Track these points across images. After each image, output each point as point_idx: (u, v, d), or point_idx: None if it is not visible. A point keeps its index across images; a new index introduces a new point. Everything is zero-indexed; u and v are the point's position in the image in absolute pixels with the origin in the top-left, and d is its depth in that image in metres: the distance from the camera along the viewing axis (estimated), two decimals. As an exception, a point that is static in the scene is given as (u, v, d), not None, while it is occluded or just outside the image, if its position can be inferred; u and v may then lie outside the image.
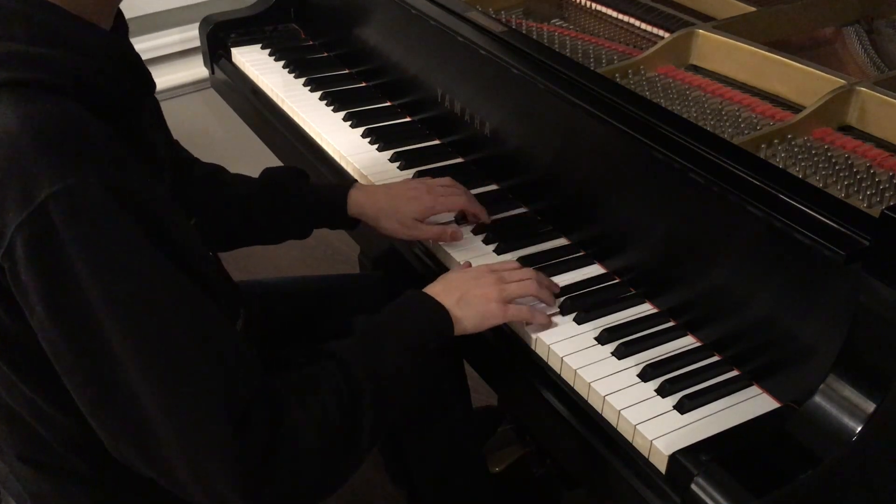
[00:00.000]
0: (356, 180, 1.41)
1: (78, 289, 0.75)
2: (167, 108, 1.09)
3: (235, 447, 0.79)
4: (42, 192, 0.73)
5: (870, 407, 0.81)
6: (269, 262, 2.43)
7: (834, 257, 0.85)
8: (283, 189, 1.26)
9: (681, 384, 0.97)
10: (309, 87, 1.67)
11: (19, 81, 0.75)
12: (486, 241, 1.23)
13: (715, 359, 1.02)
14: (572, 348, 1.03)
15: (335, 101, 1.61)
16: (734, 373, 1.00)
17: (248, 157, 2.21)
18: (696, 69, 1.31)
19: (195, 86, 2.40)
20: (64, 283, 0.75)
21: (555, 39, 1.41)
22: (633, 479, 0.91)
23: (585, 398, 0.99)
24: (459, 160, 1.43)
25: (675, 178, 1.01)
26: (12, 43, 0.77)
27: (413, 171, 1.39)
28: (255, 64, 1.77)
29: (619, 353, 1.02)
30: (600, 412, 0.97)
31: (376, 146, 1.47)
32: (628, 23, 1.46)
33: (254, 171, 1.32)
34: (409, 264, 1.29)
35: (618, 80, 1.24)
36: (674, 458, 0.88)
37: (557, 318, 1.08)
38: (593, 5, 1.53)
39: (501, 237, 1.22)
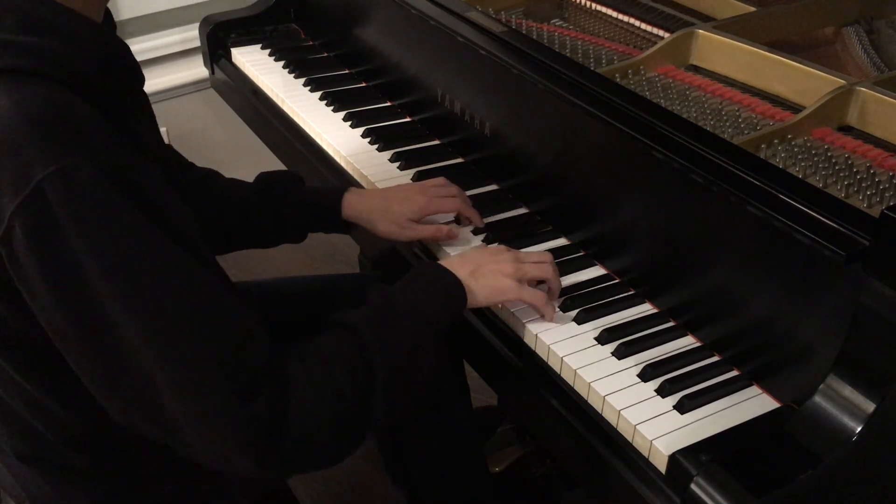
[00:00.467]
0: (356, 181, 1.41)
1: (78, 266, 0.76)
2: (167, 108, 1.09)
3: (241, 416, 0.80)
4: (37, 174, 0.74)
5: (870, 407, 0.81)
6: (269, 263, 2.43)
7: (834, 257, 0.85)
8: (278, 193, 1.26)
9: (681, 384, 0.97)
10: (309, 88, 1.67)
11: (10, 68, 0.77)
12: (487, 241, 1.23)
13: (715, 359, 1.02)
14: (572, 348, 1.03)
15: (335, 101, 1.61)
16: (734, 373, 1.00)
17: (248, 157, 2.21)
18: (696, 69, 1.31)
19: (195, 86, 2.40)
20: (64, 261, 0.76)
21: (555, 39, 1.41)
22: (633, 479, 0.92)
23: (585, 398, 0.99)
24: (459, 160, 1.43)
25: (675, 178, 1.01)
26: (2, 32, 0.78)
27: (413, 171, 1.39)
28: (255, 64, 1.77)
29: (619, 353, 1.02)
30: (600, 412, 0.97)
31: (376, 146, 1.47)
32: (628, 23, 1.46)
33: (254, 171, 1.32)
34: (409, 264, 1.29)
35: (618, 80, 1.24)
36: (674, 458, 0.88)
37: (558, 319, 1.08)
38: (593, 5, 1.53)
39: (501, 237, 1.22)
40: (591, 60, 1.33)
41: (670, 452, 0.88)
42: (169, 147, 1.24)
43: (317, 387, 0.85)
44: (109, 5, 0.92)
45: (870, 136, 1.12)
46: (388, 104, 1.61)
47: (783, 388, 0.95)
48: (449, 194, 1.25)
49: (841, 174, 1.05)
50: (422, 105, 1.51)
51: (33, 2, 0.81)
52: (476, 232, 1.25)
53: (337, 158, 1.48)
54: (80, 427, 0.92)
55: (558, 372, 1.03)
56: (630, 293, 1.12)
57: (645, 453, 0.92)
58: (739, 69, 1.26)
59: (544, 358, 1.05)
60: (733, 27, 1.30)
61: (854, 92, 1.13)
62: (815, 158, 1.08)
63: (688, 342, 1.04)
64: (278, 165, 1.75)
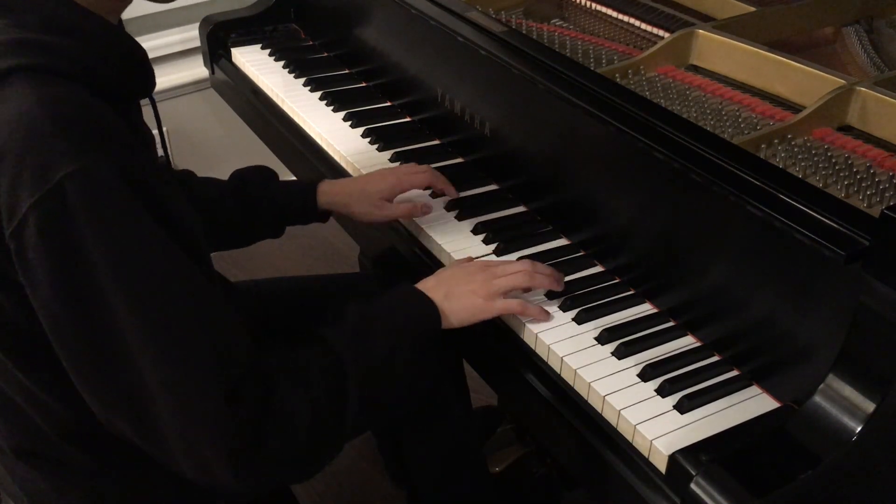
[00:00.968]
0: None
1: (87, 265, 0.76)
2: (167, 108, 1.09)
3: (227, 420, 0.82)
4: (59, 171, 0.74)
5: (870, 407, 0.81)
6: (269, 262, 2.44)
7: (834, 257, 0.85)
8: (252, 189, 1.28)
9: (681, 384, 0.97)
10: (309, 87, 1.67)
11: (34, 67, 0.78)
12: (487, 242, 1.23)
13: (715, 359, 1.02)
14: (572, 348, 1.03)
15: (335, 101, 1.61)
16: (734, 373, 1.00)
17: (248, 157, 2.20)
18: (696, 69, 1.31)
19: (195, 86, 2.41)
20: (73, 260, 0.76)
21: (555, 39, 1.41)
22: (633, 479, 0.92)
23: (585, 398, 0.99)
24: (459, 160, 1.43)
25: (676, 178, 1.01)
26: (26, 31, 0.79)
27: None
28: (255, 64, 1.77)
29: (619, 353, 1.02)
30: (600, 412, 0.97)
31: (376, 146, 1.47)
32: (628, 23, 1.46)
33: (254, 172, 1.32)
34: (408, 264, 1.29)
35: (618, 80, 1.24)
36: (674, 458, 0.88)
37: (557, 318, 1.08)
38: (593, 5, 1.53)
39: (501, 237, 1.22)
40: (591, 60, 1.33)
41: (670, 452, 0.88)
42: None
43: (295, 396, 0.87)
44: None
45: (870, 136, 1.12)
46: (388, 104, 1.61)
47: (783, 388, 0.95)
48: (419, 170, 1.28)
49: (841, 174, 1.05)
50: (422, 105, 1.51)
51: (54, 2, 0.82)
52: (476, 232, 1.25)
53: (337, 158, 1.48)
54: (78, 423, 0.93)
55: (558, 372, 1.03)
56: (630, 293, 1.12)
57: (645, 453, 0.92)
58: (739, 69, 1.26)
59: (544, 358, 1.05)
60: (733, 27, 1.30)
61: (854, 92, 1.13)
62: (815, 158, 1.08)
63: (688, 342, 1.04)
64: (278, 165, 1.75)
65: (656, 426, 0.92)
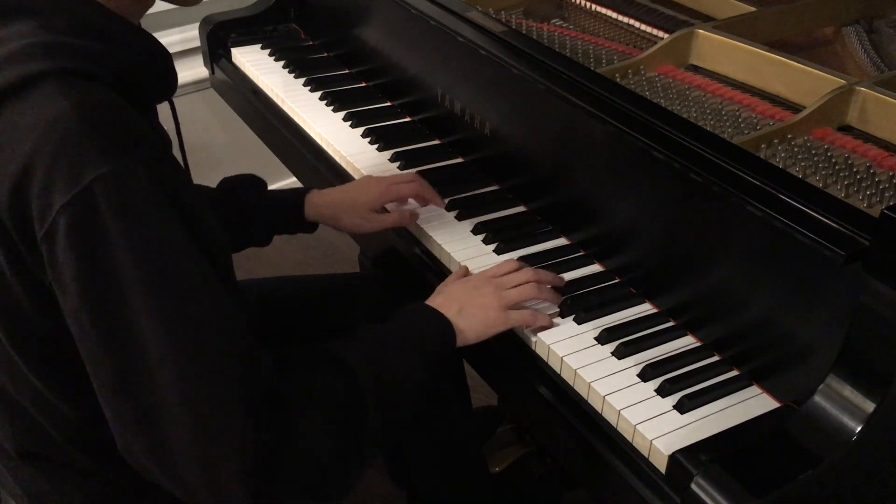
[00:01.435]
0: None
1: (115, 271, 0.76)
2: (167, 108, 1.09)
3: (247, 441, 0.80)
4: (89, 174, 0.74)
5: (870, 407, 0.81)
6: (269, 262, 2.43)
7: (834, 257, 0.85)
8: (239, 197, 1.28)
9: (681, 384, 0.97)
10: (309, 87, 1.67)
11: (64, 70, 0.77)
12: (486, 241, 1.23)
13: (715, 359, 1.02)
14: (572, 348, 1.03)
15: (335, 101, 1.61)
16: (734, 373, 1.00)
17: (248, 157, 2.21)
18: (696, 69, 1.31)
19: (195, 86, 2.40)
20: (101, 265, 0.76)
21: (555, 39, 1.41)
22: (633, 479, 0.91)
23: (585, 398, 0.99)
24: (459, 160, 1.43)
25: (675, 178, 1.01)
26: (55, 33, 0.79)
27: (413, 171, 1.39)
28: (255, 64, 1.77)
29: (619, 353, 1.02)
30: (600, 412, 0.97)
31: (376, 146, 1.47)
32: (628, 23, 1.46)
33: (254, 171, 1.32)
34: (408, 264, 1.29)
35: (618, 80, 1.24)
36: (674, 458, 0.88)
37: (557, 318, 1.08)
38: (593, 5, 1.53)
39: (501, 237, 1.22)
40: (591, 60, 1.33)
41: (670, 452, 0.88)
42: None
43: (311, 418, 0.86)
44: None
45: (870, 136, 1.12)
46: (388, 104, 1.61)
47: (783, 388, 0.95)
48: (406, 180, 1.27)
49: (841, 174, 1.05)
50: (422, 105, 1.51)
51: (82, 5, 0.82)
52: (476, 232, 1.25)
53: (337, 158, 1.48)
54: (86, 426, 0.92)
55: (558, 372, 1.03)
56: (630, 293, 1.12)
57: (645, 453, 0.92)
58: (739, 69, 1.26)
59: (544, 358, 1.05)
60: (733, 27, 1.30)
61: (854, 92, 1.13)
62: (815, 158, 1.08)
63: (688, 342, 1.04)
64: (278, 165, 1.75)
65: (656, 426, 0.92)
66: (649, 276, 1.10)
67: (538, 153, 1.26)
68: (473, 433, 1.47)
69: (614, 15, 1.49)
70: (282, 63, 1.76)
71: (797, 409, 0.87)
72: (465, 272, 1.14)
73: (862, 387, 0.82)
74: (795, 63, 1.19)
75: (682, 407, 0.94)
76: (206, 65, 1.92)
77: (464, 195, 1.32)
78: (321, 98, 1.63)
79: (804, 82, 1.18)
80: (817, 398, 0.85)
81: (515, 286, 1.07)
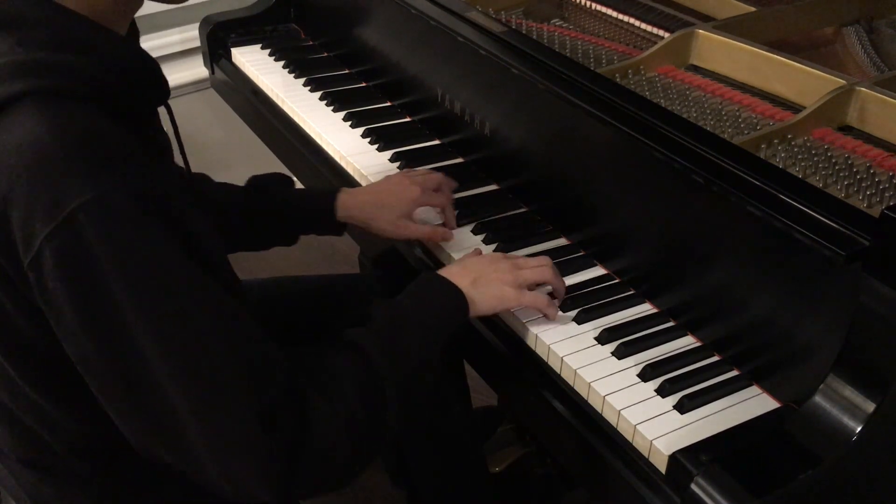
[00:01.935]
0: (356, 181, 1.41)
1: (109, 296, 0.75)
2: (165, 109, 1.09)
3: (263, 447, 0.79)
4: (71, 202, 0.72)
5: (870, 407, 0.81)
6: (270, 263, 2.43)
7: (834, 257, 0.85)
8: (269, 196, 1.26)
9: (681, 384, 0.97)
10: (309, 87, 1.67)
11: (44, 90, 0.75)
12: (487, 241, 1.23)
13: (715, 359, 1.02)
14: (572, 348, 1.03)
15: (335, 101, 1.61)
16: (734, 373, 1.00)
17: (248, 157, 2.21)
18: (696, 69, 1.31)
19: (195, 86, 2.40)
20: (94, 291, 0.75)
21: (555, 39, 1.41)
22: (633, 479, 0.91)
23: (585, 398, 0.99)
24: (459, 160, 1.43)
25: (676, 178, 1.01)
26: (34, 50, 0.77)
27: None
28: (255, 64, 1.77)
29: (619, 353, 1.02)
30: (600, 412, 0.97)
31: (376, 146, 1.47)
32: (628, 23, 1.46)
33: (254, 171, 1.32)
34: (408, 264, 1.29)
35: (618, 80, 1.24)
36: (674, 458, 0.88)
37: (558, 318, 1.08)
38: (593, 5, 1.53)
39: (501, 237, 1.22)
40: (591, 60, 1.33)
41: (670, 452, 0.88)
42: None
43: (332, 412, 0.85)
44: None
45: (870, 136, 1.12)
46: (388, 104, 1.61)
47: (783, 388, 0.95)
48: (437, 186, 1.25)
49: (841, 174, 1.05)
50: (422, 105, 1.51)
51: (62, 16, 0.79)
52: (476, 232, 1.25)
53: (337, 158, 1.48)
54: (86, 437, 0.92)
55: (558, 372, 1.03)
56: (630, 293, 1.12)
57: (645, 453, 0.92)
58: (739, 69, 1.26)
59: (544, 358, 1.05)
60: (733, 27, 1.30)
61: (854, 92, 1.13)
62: (815, 158, 1.08)
63: (688, 342, 1.04)
64: (278, 165, 1.75)
65: (656, 426, 0.92)
66: (649, 276, 1.10)
67: (538, 153, 1.26)
68: (473, 433, 1.48)
69: (614, 14, 1.49)
70: (282, 63, 1.77)
71: (797, 409, 0.87)
72: (478, 252, 1.14)
73: (862, 387, 0.82)
74: (795, 63, 1.19)
75: (682, 407, 0.94)
76: (206, 65, 1.92)
77: (464, 195, 1.32)
78: (321, 98, 1.63)
79: (804, 82, 1.18)
80: (817, 398, 0.85)
81: (532, 267, 1.07)
